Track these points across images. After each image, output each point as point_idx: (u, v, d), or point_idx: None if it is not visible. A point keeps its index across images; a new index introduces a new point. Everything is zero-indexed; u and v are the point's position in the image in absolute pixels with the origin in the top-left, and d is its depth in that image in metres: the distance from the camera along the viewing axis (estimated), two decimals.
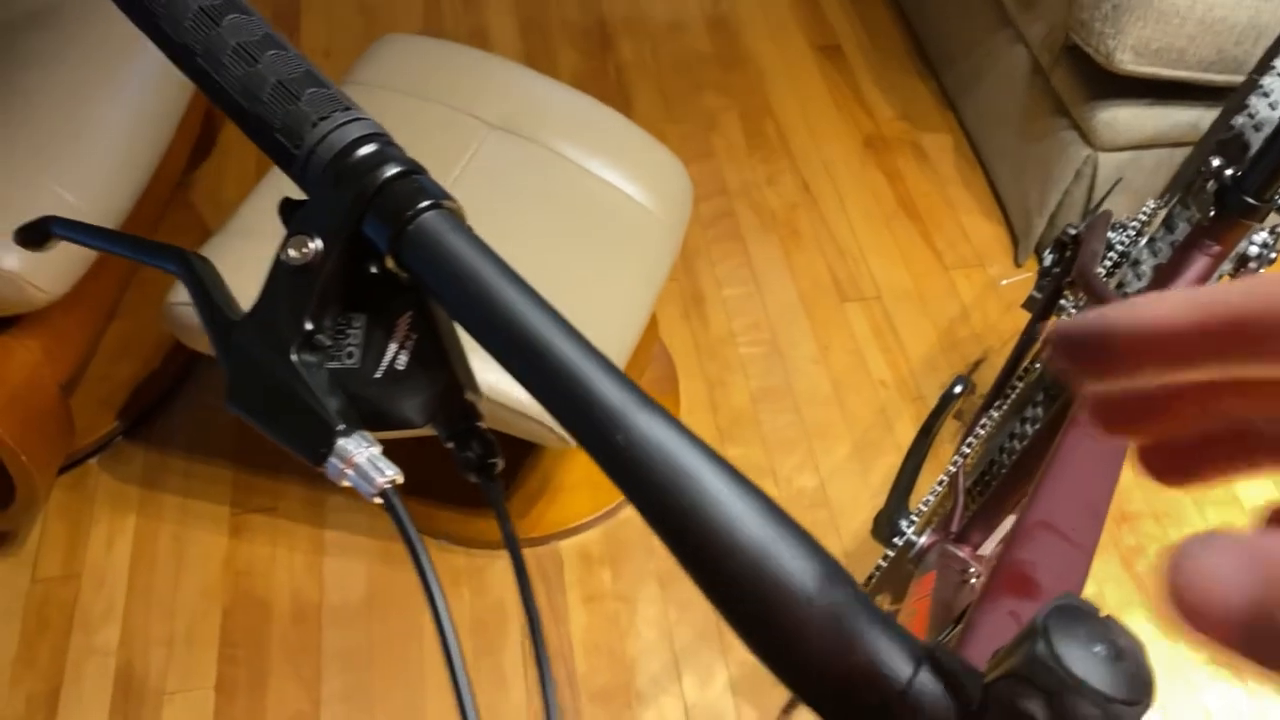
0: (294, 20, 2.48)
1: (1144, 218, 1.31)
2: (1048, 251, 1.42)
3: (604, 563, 1.58)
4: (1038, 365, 1.35)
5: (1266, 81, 1.04)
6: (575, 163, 1.47)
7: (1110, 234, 1.33)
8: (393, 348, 0.35)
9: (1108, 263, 1.30)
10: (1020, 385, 1.31)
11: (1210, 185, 0.87)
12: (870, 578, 1.25)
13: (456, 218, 0.34)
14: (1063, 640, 0.20)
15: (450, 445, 0.36)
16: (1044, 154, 1.89)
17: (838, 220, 2.07)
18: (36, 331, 1.43)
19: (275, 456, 1.70)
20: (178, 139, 1.60)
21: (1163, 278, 0.89)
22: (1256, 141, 1.02)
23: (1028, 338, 1.33)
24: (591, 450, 0.28)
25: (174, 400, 1.76)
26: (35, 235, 0.38)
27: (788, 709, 1.45)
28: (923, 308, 1.94)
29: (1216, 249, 0.88)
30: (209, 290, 0.36)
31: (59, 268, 1.32)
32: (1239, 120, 1.03)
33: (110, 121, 1.46)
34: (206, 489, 1.66)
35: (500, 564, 1.59)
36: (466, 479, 0.36)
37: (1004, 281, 1.90)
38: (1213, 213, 0.86)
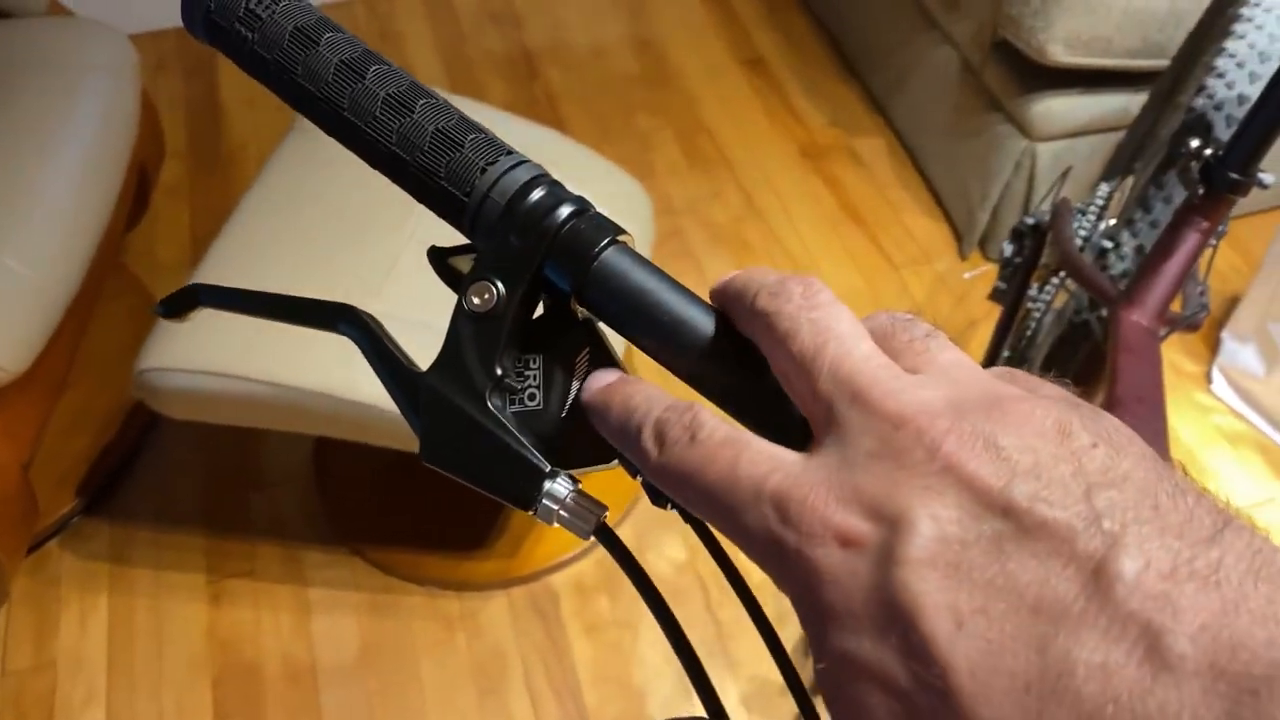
0: (211, 71, 2.42)
1: (1101, 202, 1.35)
2: (1006, 243, 1.45)
3: (600, 591, 1.56)
4: (1014, 352, 1.38)
5: (1219, 63, 1.08)
6: None
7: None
8: (575, 385, 0.35)
9: None
10: None
11: (1194, 165, 0.90)
12: None
13: (632, 250, 0.34)
14: None
15: (639, 478, 0.35)
16: (980, 149, 1.94)
17: (785, 230, 2.09)
18: None
19: (246, 518, 1.65)
20: (118, 202, 1.55)
21: (1157, 254, 0.92)
22: (1219, 120, 1.06)
23: (1004, 327, 1.36)
24: None
25: (133, 471, 1.70)
26: (180, 306, 0.36)
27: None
28: (878, 308, 1.96)
29: (1205, 224, 0.91)
30: (388, 347, 0.35)
31: (19, 344, 1.27)
32: (1199, 102, 1.08)
33: (52, 189, 1.41)
34: (179, 558, 1.61)
35: (493, 605, 1.56)
36: (661, 508, 0.35)
37: (967, 275, 1.94)
38: (1201, 191, 0.89)
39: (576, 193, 0.34)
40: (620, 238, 0.34)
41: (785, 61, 2.49)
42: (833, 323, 0.28)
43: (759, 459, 0.26)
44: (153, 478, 1.69)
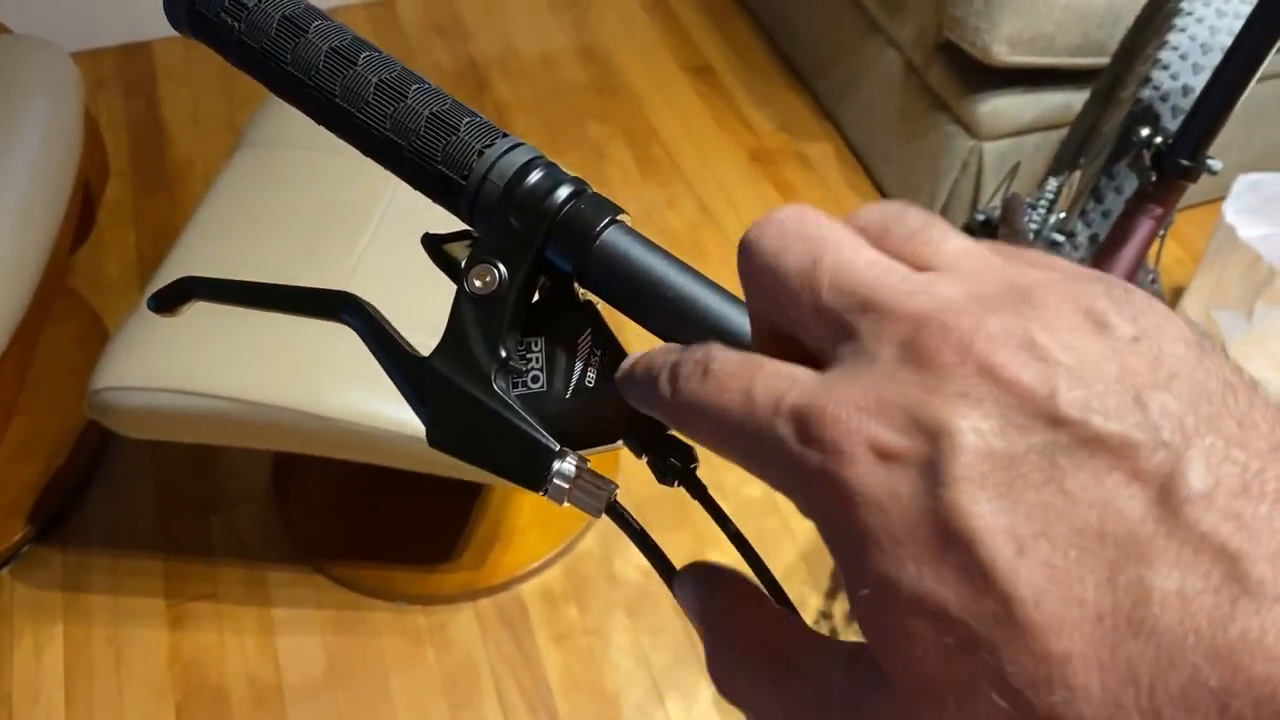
0: (152, 88, 2.39)
1: (1050, 195, 1.38)
2: None
3: (568, 599, 1.56)
4: None
5: (1163, 56, 1.11)
6: None
7: None
8: (579, 366, 0.35)
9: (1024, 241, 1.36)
10: None
11: (1146, 154, 0.93)
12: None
13: (632, 229, 0.34)
14: None
15: (644, 458, 0.35)
16: (928, 150, 1.97)
17: (739, 235, 2.10)
18: None
19: (205, 539, 1.62)
20: (64, 221, 1.52)
21: (1113, 241, 0.94)
22: (1165, 110, 1.09)
23: None
24: None
25: (87, 496, 1.66)
26: (172, 299, 0.35)
27: None
28: None
29: (1158, 210, 0.93)
30: (389, 333, 0.34)
31: None
32: (1145, 93, 1.11)
33: None
34: (137, 583, 1.57)
35: (461, 618, 1.55)
36: (668, 485, 0.35)
37: None
38: (1154, 178, 0.91)
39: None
40: (620, 217, 0.34)
41: (731, 68, 2.51)
42: (826, 234, 0.25)
43: (775, 379, 0.24)
44: (107, 502, 1.66)
